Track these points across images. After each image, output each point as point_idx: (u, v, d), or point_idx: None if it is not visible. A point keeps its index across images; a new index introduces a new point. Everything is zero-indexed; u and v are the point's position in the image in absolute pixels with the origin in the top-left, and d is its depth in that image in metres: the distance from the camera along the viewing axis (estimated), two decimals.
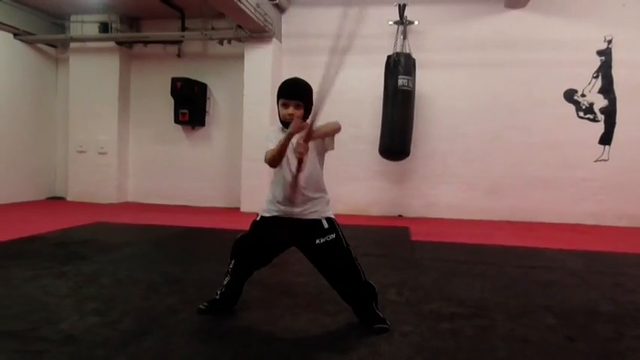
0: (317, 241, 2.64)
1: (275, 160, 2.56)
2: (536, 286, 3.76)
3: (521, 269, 4.28)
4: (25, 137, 8.36)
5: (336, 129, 2.59)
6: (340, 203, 6.80)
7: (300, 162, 2.46)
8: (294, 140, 2.48)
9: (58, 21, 8.63)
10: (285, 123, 2.63)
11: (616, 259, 4.89)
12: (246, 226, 2.84)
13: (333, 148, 2.69)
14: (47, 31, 8.52)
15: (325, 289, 2.90)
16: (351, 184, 7.63)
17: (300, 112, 2.60)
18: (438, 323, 2.84)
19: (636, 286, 3.87)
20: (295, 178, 2.51)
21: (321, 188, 2.71)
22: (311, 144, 2.49)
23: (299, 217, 2.64)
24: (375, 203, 7.73)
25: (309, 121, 2.48)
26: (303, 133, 2.43)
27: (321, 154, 2.69)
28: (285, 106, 2.62)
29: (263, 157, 2.63)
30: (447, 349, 2.48)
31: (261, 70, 7.56)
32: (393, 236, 6.07)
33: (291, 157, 2.56)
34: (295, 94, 2.62)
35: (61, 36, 8.52)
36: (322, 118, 2.48)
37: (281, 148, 2.50)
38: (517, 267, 4.37)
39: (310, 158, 2.57)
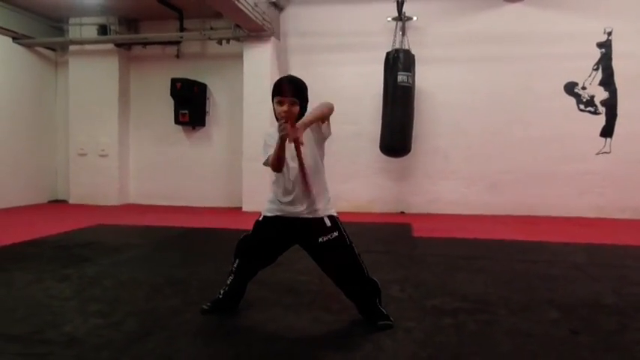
0: (320, 240, 2.63)
1: (275, 165, 2.56)
2: (539, 280, 3.75)
3: (524, 263, 4.28)
4: (26, 141, 8.37)
5: (330, 109, 2.56)
6: (342, 200, 6.79)
7: (297, 150, 2.42)
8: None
9: (57, 24, 8.63)
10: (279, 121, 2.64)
11: (619, 252, 4.87)
12: (248, 225, 2.84)
13: (330, 134, 2.68)
14: (46, 34, 8.52)
15: (328, 287, 2.90)
16: (353, 182, 7.63)
17: (295, 109, 2.59)
18: (441, 319, 2.84)
19: (639, 278, 3.86)
20: (302, 171, 2.50)
21: (323, 184, 2.71)
22: (307, 134, 2.49)
23: (301, 215, 2.64)
24: (376, 200, 7.72)
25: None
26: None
27: (319, 145, 2.68)
28: (280, 103, 2.61)
29: (263, 161, 2.64)
30: (450, 345, 2.48)
31: (261, 69, 7.55)
32: (395, 233, 6.06)
33: (288, 158, 2.57)
34: (290, 92, 2.61)
35: (59, 39, 8.52)
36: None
37: (277, 154, 2.51)
38: (520, 261, 4.36)
39: (309, 151, 2.57)
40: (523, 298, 3.26)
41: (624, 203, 7.12)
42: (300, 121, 2.44)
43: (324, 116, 2.57)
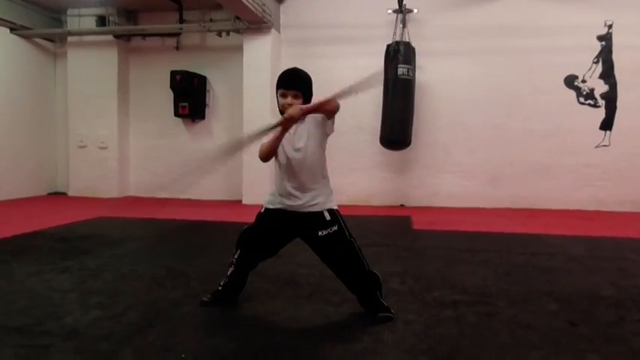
0: (320, 233, 2.64)
1: (266, 154, 2.59)
2: (539, 272, 3.76)
3: (524, 256, 4.29)
4: (25, 133, 8.35)
5: (333, 106, 2.49)
6: (342, 194, 6.78)
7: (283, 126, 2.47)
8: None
9: (55, 15, 8.61)
10: (283, 113, 2.62)
11: (618, 245, 4.89)
12: (248, 218, 2.84)
13: (332, 131, 2.66)
14: (44, 25, 8.49)
15: (328, 280, 2.92)
16: (353, 175, 7.62)
17: (298, 102, 2.59)
18: (441, 311, 2.85)
19: (638, 270, 3.87)
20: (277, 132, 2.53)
21: (322, 180, 2.70)
22: (310, 130, 2.53)
23: (301, 209, 2.64)
24: (376, 193, 7.73)
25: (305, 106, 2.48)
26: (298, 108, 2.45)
27: (322, 142, 2.66)
28: (284, 96, 2.61)
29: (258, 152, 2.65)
30: (450, 336, 2.49)
31: (260, 61, 7.53)
32: (395, 226, 6.07)
33: (286, 147, 2.58)
34: (294, 84, 2.62)
35: (58, 30, 8.50)
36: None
37: (274, 143, 2.51)
38: (519, 254, 4.37)
39: (311, 146, 2.58)
40: (522, 290, 3.27)
41: (624, 196, 7.13)
42: (303, 107, 2.46)
43: (324, 109, 2.49)
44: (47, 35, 8.59)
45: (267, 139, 2.57)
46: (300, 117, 2.45)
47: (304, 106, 2.47)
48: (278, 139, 2.53)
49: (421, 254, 4.40)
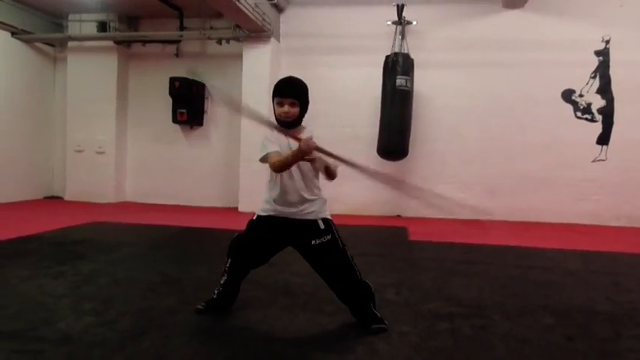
0: (313, 242, 2.64)
1: (283, 169, 2.54)
2: (534, 285, 3.76)
3: (519, 269, 4.29)
4: (23, 136, 8.33)
5: (335, 172, 2.60)
6: (338, 203, 6.80)
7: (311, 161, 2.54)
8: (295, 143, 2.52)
9: (56, 20, 8.61)
10: (280, 122, 2.64)
11: (614, 259, 4.89)
12: (244, 225, 2.83)
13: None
14: (45, 30, 8.50)
15: (323, 289, 2.90)
16: (349, 184, 7.57)
17: (295, 111, 2.62)
18: (437, 323, 2.84)
19: (634, 285, 3.87)
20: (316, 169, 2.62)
21: (316, 189, 2.71)
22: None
23: (295, 217, 2.65)
24: (373, 203, 7.71)
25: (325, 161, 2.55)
26: (316, 157, 2.49)
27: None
28: (280, 104, 2.63)
29: (260, 156, 2.61)
30: (445, 349, 2.48)
31: (260, 69, 7.54)
32: (391, 236, 6.06)
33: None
34: (290, 93, 2.63)
35: (59, 35, 8.50)
36: (320, 117, 2.50)
37: (290, 162, 2.48)
38: (515, 267, 4.37)
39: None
40: (518, 303, 3.27)
41: (620, 211, 7.14)
42: (319, 155, 2.50)
43: (331, 171, 2.57)
44: (48, 40, 8.60)
45: (274, 146, 2.57)
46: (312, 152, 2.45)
47: (319, 148, 2.46)
48: (294, 162, 2.49)
49: (417, 265, 4.39)
